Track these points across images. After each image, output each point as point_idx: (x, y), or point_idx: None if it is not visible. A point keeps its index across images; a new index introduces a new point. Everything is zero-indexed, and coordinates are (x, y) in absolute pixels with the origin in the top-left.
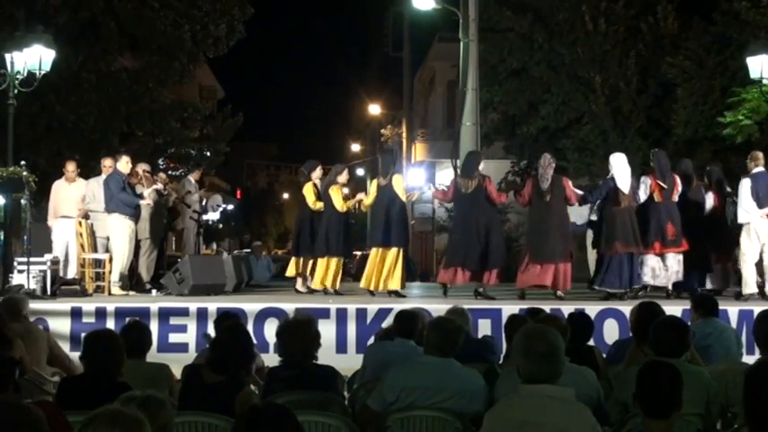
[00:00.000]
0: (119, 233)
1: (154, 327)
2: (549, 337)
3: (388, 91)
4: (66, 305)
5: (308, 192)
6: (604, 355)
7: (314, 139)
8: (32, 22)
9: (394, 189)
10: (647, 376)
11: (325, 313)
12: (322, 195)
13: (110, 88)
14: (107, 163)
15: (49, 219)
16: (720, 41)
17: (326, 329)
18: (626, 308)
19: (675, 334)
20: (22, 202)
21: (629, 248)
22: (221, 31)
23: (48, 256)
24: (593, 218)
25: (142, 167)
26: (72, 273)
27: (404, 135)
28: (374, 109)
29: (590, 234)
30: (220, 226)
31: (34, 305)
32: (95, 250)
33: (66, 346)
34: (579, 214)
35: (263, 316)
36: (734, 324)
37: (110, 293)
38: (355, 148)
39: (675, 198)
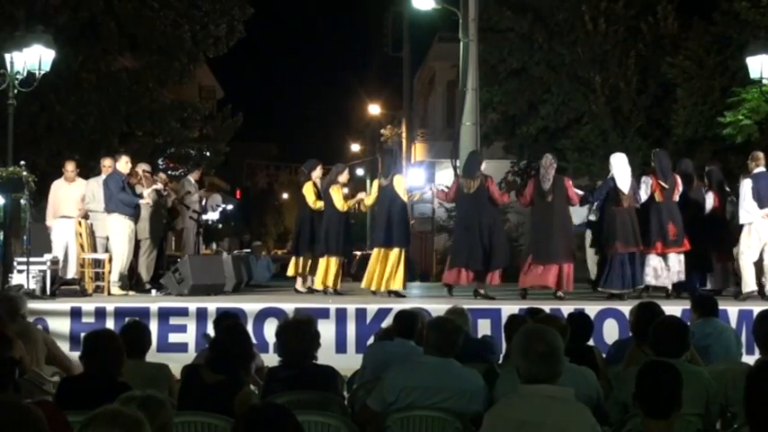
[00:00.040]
0: (118, 233)
1: (153, 327)
2: (548, 337)
3: (387, 91)
4: (65, 305)
5: (308, 191)
6: (604, 355)
7: (314, 139)
8: (32, 22)
9: (395, 189)
10: (647, 376)
11: (324, 313)
12: (322, 195)
13: (110, 88)
14: (107, 163)
15: (48, 219)
16: (720, 41)
17: (326, 329)
18: (626, 308)
19: (675, 334)
20: (22, 202)
21: (629, 248)
22: (221, 31)
23: (47, 256)
24: (592, 218)
25: (142, 167)
26: (71, 273)
27: (404, 135)
28: (374, 109)
29: (588, 234)
30: (220, 226)
31: (34, 305)
32: (95, 250)
33: (65, 346)
34: (577, 214)
35: (262, 316)
36: (733, 324)
37: (109, 293)
38: (355, 148)
39: (676, 198)
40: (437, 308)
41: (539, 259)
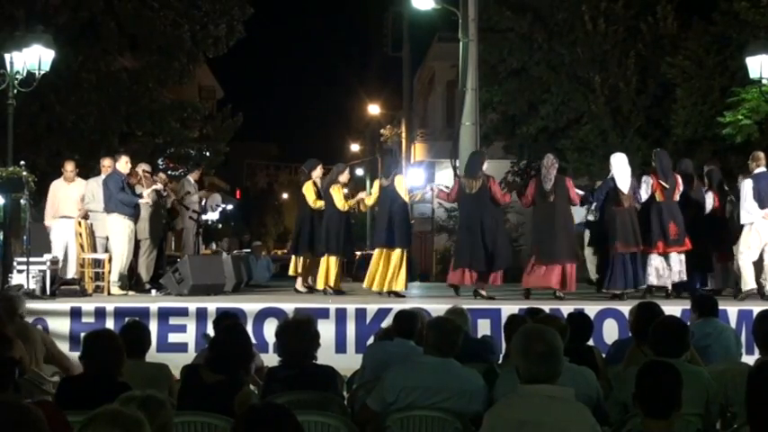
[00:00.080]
0: (118, 233)
1: (153, 327)
2: (547, 337)
3: (387, 91)
4: (65, 305)
5: (308, 190)
6: (604, 355)
7: (314, 139)
8: (32, 22)
9: (396, 190)
10: (647, 376)
11: (324, 313)
12: (323, 194)
13: (109, 88)
14: (106, 163)
15: (47, 219)
16: (720, 41)
17: (326, 329)
18: (626, 308)
19: (675, 334)
20: (22, 202)
21: (629, 248)
22: (221, 31)
23: (47, 256)
24: (590, 218)
25: (142, 168)
26: (71, 273)
27: (403, 135)
28: (374, 109)
29: (587, 234)
30: (220, 226)
31: (34, 305)
32: (95, 250)
33: (65, 346)
34: (576, 214)
35: (262, 316)
36: (733, 324)
37: (109, 293)
38: (355, 148)
39: (677, 197)
40: (437, 308)
41: (542, 260)
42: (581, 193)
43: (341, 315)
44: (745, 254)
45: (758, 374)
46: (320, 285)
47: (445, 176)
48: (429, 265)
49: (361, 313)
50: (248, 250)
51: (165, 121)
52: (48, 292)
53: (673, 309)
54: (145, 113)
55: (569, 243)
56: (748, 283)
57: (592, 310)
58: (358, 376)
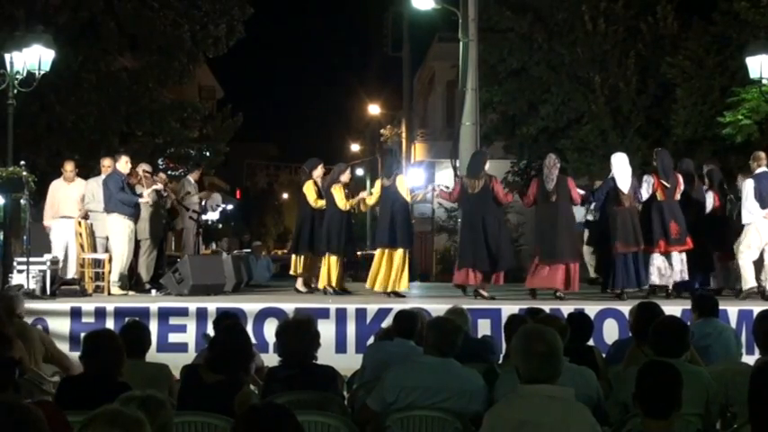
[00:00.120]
0: (118, 233)
1: (153, 327)
2: (547, 338)
3: (387, 91)
4: (65, 305)
5: (309, 190)
6: (604, 355)
7: (314, 139)
8: (32, 21)
9: (398, 190)
10: (647, 376)
11: (324, 313)
12: (324, 194)
13: (110, 88)
14: (106, 163)
15: (45, 219)
16: (720, 41)
17: (326, 329)
18: (626, 308)
19: (675, 334)
20: (22, 202)
21: (629, 248)
22: (221, 31)
23: (47, 256)
24: (590, 218)
25: (143, 168)
26: (71, 273)
27: (403, 135)
28: (374, 109)
29: (586, 234)
30: (220, 226)
31: (34, 305)
32: (95, 250)
33: (65, 347)
34: (576, 214)
35: (262, 316)
36: (733, 324)
37: (109, 293)
38: (355, 148)
39: (678, 197)
40: (437, 308)
41: (546, 260)
42: (582, 192)
43: (341, 315)
44: (746, 253)
45: (760, 375)
46: (321, 285)
47: (445, 176)
48: (429, 265)
49: (361, 313)
50: (248, 250)
51: (165, 121)
52: (48, 292)
53: (673, 309)
54: (145, 113)
55: (572, 242)
56: (749, 282)
57: (592, 310)
58: (358, 376)
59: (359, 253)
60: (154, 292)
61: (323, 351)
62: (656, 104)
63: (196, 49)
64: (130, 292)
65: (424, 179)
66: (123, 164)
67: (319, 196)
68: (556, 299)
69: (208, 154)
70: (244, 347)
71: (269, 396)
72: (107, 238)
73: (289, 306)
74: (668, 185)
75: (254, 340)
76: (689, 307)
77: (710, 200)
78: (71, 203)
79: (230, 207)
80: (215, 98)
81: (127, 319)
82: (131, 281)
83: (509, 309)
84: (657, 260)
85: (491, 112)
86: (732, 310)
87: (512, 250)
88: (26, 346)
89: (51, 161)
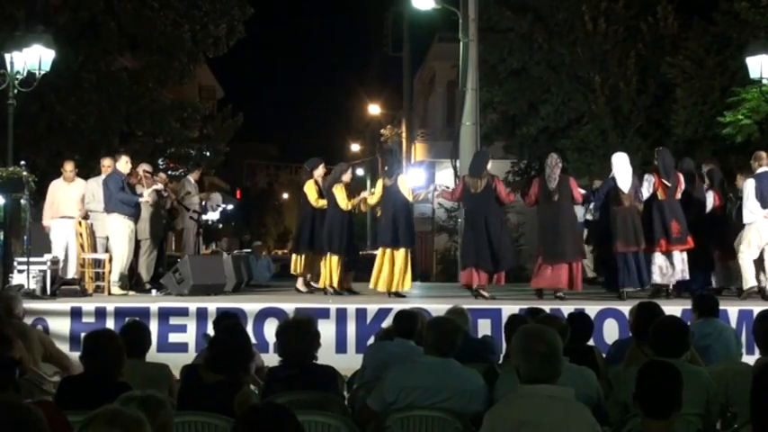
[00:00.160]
0: (118, 233)
1: (153, 327)
2: (547, 338)
3: (387, 91)
4: (65, 305)
5: (310, 189)
6: (604, 355)
7: (314, 139)
8: (32, 21)
9: (400, 189)
10: (647, 376)
11: (324, 313)
12: (325, 194)
13: (110, 88)
14: (106, 163)
15: (45, 219)
16: (720, 41)
17: (326, 329)
18: (626, 308)
19: (675, 334)
20: (22, 202)
21: (629, 248)
22: (221, 31)
23: (47, 256)
24: (589, 217)
25: (143, 168)
26: (72, 273)
27: (404, 135)
28: (374, 109)
29: (584, 233)
30: (220, 226)
31: (34, 305)
32: (95, 250)
33: (65, 347)
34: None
35: (262, 316)
36: (734, 324)
37: (109, 293)
38: (355, 148)
39: (679, 196)
40: (437, 308)
41: (550, 260)
42: (583, 192)
43: (341, 315)
44: (746, 253)
45: (763, 375)
46: (322, 284)
47: (445, 176)
48: (429, 265)
49: (361, 313)
50: (248, 250)
51: (165, 121)
52: (48, 292)
53: (673, 309)
54: (145, 113)
55: (575, 241)
56: (749, 281)
57: (592, 310)
58: (358, 376)
59: (360, 253)
60: (154, 292)
61: (323, 351)
62: (657, 104)
63: (196, 49)
64: (131, 292)
65: (424, 179)
66: (123, 164)
67: (320, 196)
68: (556, 299)
69: (208, 154)
70: (243, 347)
71: (269, 396)
72: (107, 238)
73: (289, 306)
74: (669, 185)
75: (254, 340)
76: (689, 307)
77: (711, 199)
78: (71, 203)
79: (230, 207)
80: (215, 98)
81: (127, 319)
82: (131, 281)
83: (509, 309)
84: (659, 259)
85: (491, 112)
86: (732, 309)
87: (513, 250)
88: (25, 347)
89: (51, 161)
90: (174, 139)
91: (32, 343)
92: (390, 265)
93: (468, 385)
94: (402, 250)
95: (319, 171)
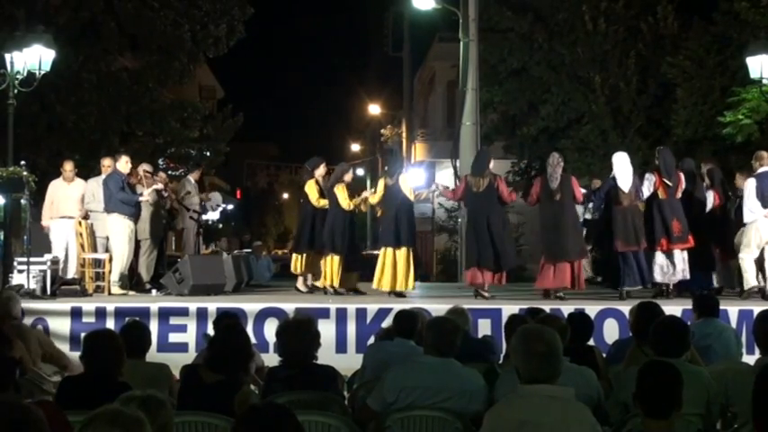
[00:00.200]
0: (118, 233)
1: (154, 326)
2: (547, 338)
3: (388, 91)
4: (66, 305)
5: (311, 189)
6: (604, 355)
7: (314, 139)
8: (32, 21)
9: (402, 189)
10: (647, 376)
11: (325, 313)
12: (326, 194)
13: (110, 88)
14: (106, 163)
15: (44, 219)
16: (720, 41)
17: (326, 329)
18: (626, 308)
19: (675, 334)
20: (22, 202)
21: (629, 247)
22: (221, 31)
23: (48, 256)
24: (587, 216)
25: (143, 168)
26: (72, 273)
27: (404, 135)
28: (374, 109)
29: (583, 233)
30: (220, 226)
31: (34, 305)
32: (95, 250)
33: (66, 347)
34: None
35: (263, 316)
36: (734, 324)
37: (110, 293)
38: (355, 148)
39: (679, 195)
40: (437, 308)
41: (553, 259)
42: (584, 191)
43: (341, 315)
44: (747, 253)
45: (765, 375)
46: (322, 284)
47: (446, 176)
48: (429, 265)
49: (361, 313)
50: (249, 250)
51: (165, 120)
52: (48, 292)
53: (673, 309)
54: (145, 113)
55: (578, 240)
56: (750, 281)
57: (592, 309)
58: (358, 376)
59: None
60: (154, 291)
61: (323, 351)
62: (657, 104)
63: (196, 49)
64: (131, 292)
65: (424, 179)
66: (123, 164)
67: (321, 195)
68: (556, 299)
69: (208, 154)
70: (243, 347)
71: (269, 396)
72: (107, 238)
73: (289, 306)
74: (670, 184)
75: (254, 340)
76: (689, 307)
77: (711, 199)
78: (71, 203)
79: (230, 207)
80: (215, 98)
81: (127, 318)
82: (132, 281)
83: (509, 309)
84: (659, 258)
85: (491, 112)
86: (732, 309)
87: (515, 249)
88: (24, 347)
89: (52, 161)
90: (174, 138)
91: (31, 343)
92: (393, 264)
93: (469, 385)
94: (404, 249)
95: (320, 171)
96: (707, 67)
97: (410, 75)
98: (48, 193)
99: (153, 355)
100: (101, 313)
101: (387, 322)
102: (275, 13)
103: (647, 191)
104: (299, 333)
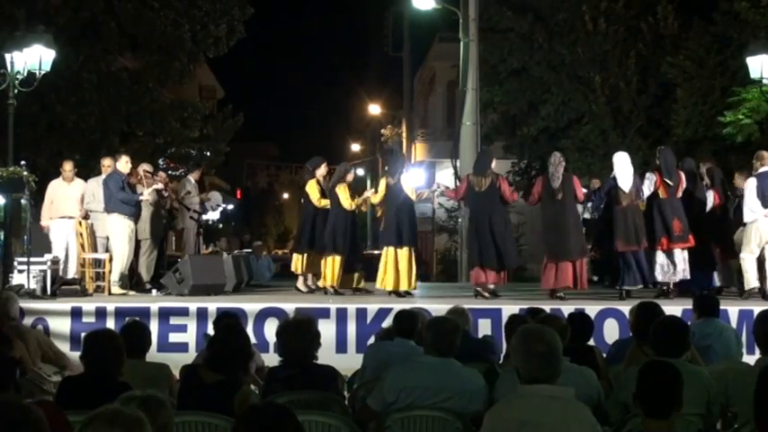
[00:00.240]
0: (118, 233)
1: (154, 326)
2: (547, 338)
3: (388, 91)
4: (66, 305)
5: (312, 189)
6: (604, 355)
7: (314, 139)
8: (33, 21)
9: (404, 189)
10: (648, 376)
11: (325, 313)
12: (328, 194)
13: (110, 88)
14: (106, 163)
15: (43, 219)
16: (720, 41)
17: (326, 329)
18: (626, 308)
19: (676, 334)
20: (22, 202)
21: (629, 247)
22: (221, 31)
23: (48, 256)
24: (587, 216)
25: (143, 168)
26: (72, 273)
27: (404, 135)
28: (374, 109)
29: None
30: (221, 226)
31: (34, 305)
32: (95, 250)
33: (66, 347)
34: None
35: (263, 316)
36: (734, 324)
37: (110, 293)
38: (355, 148)
39: (680, 194)
40: (437, 308)
41: (556, 259)
42: (585, 190)
43: (341, 315)
44: (747, 252)
45: (767, 375)
46: (322, 284)
47: (446, 176)
48: (429, 265)
49: (361, 313)
50: (249, 250)
51: (165, 120)
52: (48, 292)
53: (673, 308)
54: (145, 113)
55: (580, 239)
56: (751, 281)
57: (592, 309)
58: (358, 376)
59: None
60: (154, 291)
61: (323, 351)
62: (657, 104)
63: (196, 49)
64: (131, 292)
65: (424, 179)
66: (123, 164)
67: (323, 195)
68: (556, 299)
69: (208, 154)
70: (242, 346)
71: (269, 396)
72: (107, 238)
73: (289, 306)
74: (671, 183)
75: (254, 340)
76: (690, 307)
77: (711, 198)
78: (71, 203)
79: (231, 207)
80: (215, 98)
81: (127, 318)
82: (132, 281)
83: (509, 309)
84: (660, 257)
85: (491, 112)
86: (733, 309)
87: (516, 249)
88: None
89: (52, 161)
90: (174, 138)
91: (30, 344)
92: (395, 264)
93: (469, 385)
94: (406, 249)
95: (321, 171)
96: (707, 67)
97: (410, 75)
98: (47, 193)
99: (153, 355)
100: (101, 313)
101: (387, 322)
102: (275, 13)
103: (647, 190)
104: (299, 333)
